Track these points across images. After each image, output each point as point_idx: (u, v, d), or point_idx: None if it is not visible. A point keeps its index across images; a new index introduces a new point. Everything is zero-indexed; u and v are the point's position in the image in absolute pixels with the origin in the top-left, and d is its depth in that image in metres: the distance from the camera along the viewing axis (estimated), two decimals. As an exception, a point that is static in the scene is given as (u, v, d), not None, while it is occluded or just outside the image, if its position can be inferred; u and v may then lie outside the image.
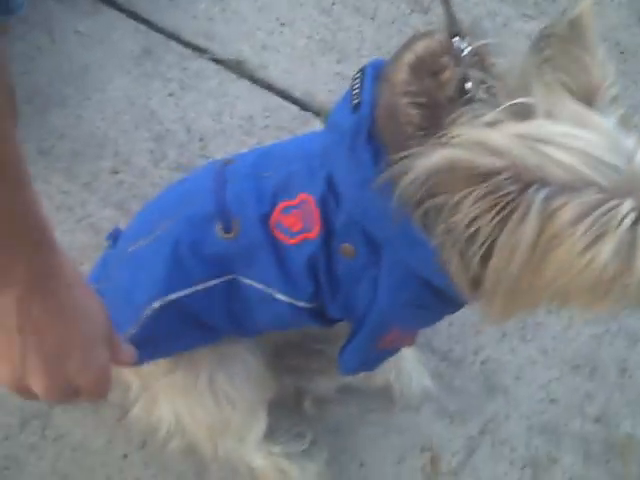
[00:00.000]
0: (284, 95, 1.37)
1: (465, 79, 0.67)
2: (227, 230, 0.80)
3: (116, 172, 1.25)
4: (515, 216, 0.58)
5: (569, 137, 0.59)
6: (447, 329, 1.17)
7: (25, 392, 0.58)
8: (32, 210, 0.52)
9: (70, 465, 1.02)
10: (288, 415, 1.07)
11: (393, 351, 0.94)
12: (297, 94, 1.37)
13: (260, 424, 0.98)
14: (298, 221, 0.78)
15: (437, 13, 1.41)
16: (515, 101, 0.63)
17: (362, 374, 1.03)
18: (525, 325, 1.18)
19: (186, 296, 0.82)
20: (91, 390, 0.61)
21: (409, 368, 1.10)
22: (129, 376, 0.94)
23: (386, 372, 1.06)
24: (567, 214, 0.58)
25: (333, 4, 1.48)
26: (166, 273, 0.81)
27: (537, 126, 0.61)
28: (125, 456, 1.03)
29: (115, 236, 0.94)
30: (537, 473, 1.08)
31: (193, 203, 0.83)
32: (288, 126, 1.31)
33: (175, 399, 0.94)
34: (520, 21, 1.46)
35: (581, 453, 1.10)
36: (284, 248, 0.79)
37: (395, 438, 1.09)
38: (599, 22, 0.63)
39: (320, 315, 0.86)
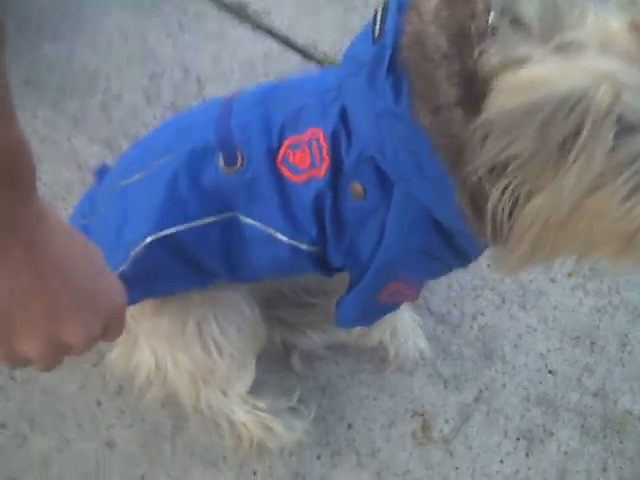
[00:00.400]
0: (287, 43, 1.30)
1: (492, 10, 0.62)
2: (230, 162, 0.75)
3: (106, 108, 1.18)
4: (578, 152, 0.53)
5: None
6: (446, 291, 1.11)
7: (17, 360, 0.52)
8: (21, 150, 0.45)
9: (39, 409, 0.95)
10: (275, 370, 1.02)
11: (394, 306, 0.89)
12: (300, 42, 1.31)
13: (248, 376, 0.93)
14: (306, 158, 0.73)
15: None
16: (564, 35, 0.58)
17: (356, 331, 0.99)
18: (525, 292, 1.13)
19: (181, 232, 0.76)
20: (83, 346, 0.55)
21: (405, 329, 1.05)
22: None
23: (381, 331, 1.00)
24: (621, 155, 0.54)
25: (342, -47, 1.41)
26: (161, 207, 0.75)
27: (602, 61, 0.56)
28: (99, 403, 0.97)
29: (102, 172, 0.88)
30: (532, 445, 1.03)
31: (194, 136, 0.77)
32: (290, 72, 1.24)
33: (158, 344, 0.88)
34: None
35: (578, 427, 1.05)
36: (289, 186, 0.74)
37: (386, 401, 1.03)
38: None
39: (320, 262, 0.80)
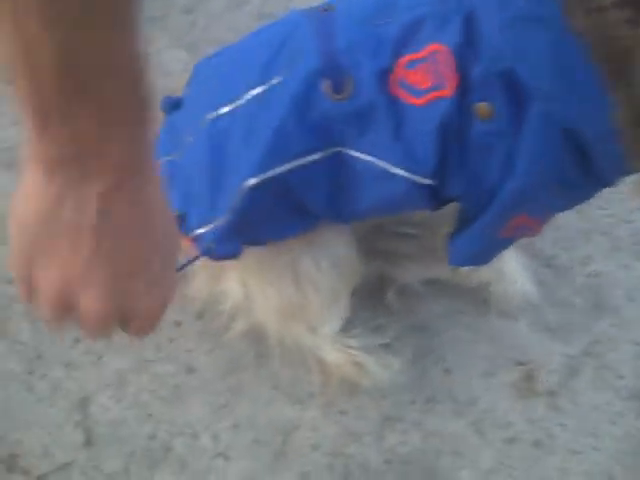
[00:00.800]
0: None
1: None
2: (337, 90, 0.66)
3: (190, 11, 1.09)
4: None
5: None
6: (553, 233, 1.01)
7: (66, 309, 0.45)
8: (143, 72, 0.38)
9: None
10: (368, 306, 0.93)
11: (512, 240, 0.79)
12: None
13: (340, 313, 0.86)
14: (427, 77, 0.66)
15: None
16: None
17: (462, 269, 0.89)
18: (640, 241, 1.02)
19: (284, 173, 0.68)
20: (146, 320, 0.49)
21: (511, 270, 0.95)
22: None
23: (488, 270, 0.91)
24: None
25: None
26: (264, 145, 0.67)
27: None
28: (178, 324, 0.88)
29: (170, 104, 0.77)
30: (645, 407, 0.93)
31: (291, 59, 0.68)
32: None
33: (247, 276, 0.80)
34: None
35: (698, 392, 0.95)
36: (407, 110, 0.66)
37: (486, 346, 0.94)
38: None
39: (436, 196, 0.71)
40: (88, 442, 0.82)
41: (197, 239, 0.70)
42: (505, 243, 0.79)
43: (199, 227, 0.70)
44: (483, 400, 0.92)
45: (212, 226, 0.69)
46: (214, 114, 0.71)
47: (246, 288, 0.81)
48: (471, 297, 0.96)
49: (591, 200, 0.74)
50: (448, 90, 0.65)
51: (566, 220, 1.02)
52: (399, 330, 0.91)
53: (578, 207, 0.78)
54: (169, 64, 1.04)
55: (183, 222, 0.70)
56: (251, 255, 0.75)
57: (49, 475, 0.80)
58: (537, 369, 0.95)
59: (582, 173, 0.67)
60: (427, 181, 0.68)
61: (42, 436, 0.82)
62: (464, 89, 0.65)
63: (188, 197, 0.70)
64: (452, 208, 0.75)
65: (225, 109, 0.70)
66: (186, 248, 0.69)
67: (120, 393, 0.85)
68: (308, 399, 0.89)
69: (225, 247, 0.70)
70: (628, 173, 0.68)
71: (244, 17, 1.10)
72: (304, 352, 0.86)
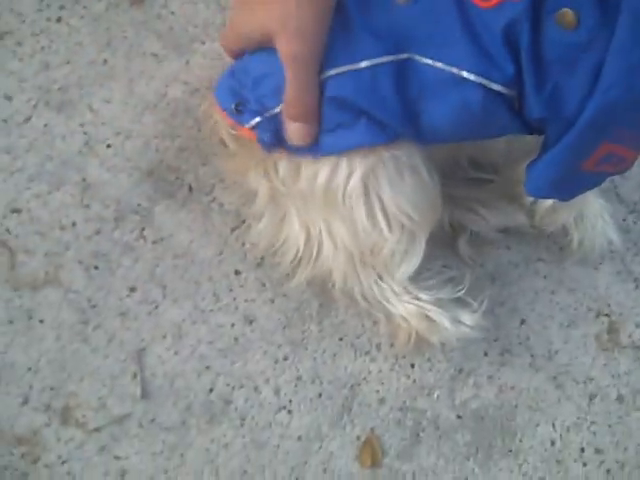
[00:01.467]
0: None
1: None
2: None
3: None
4: None
5: None
6: (638, 176, 0.93)
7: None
8: None
9: (171, 273, 0.83)
10: (439, 256, 0.86)
11: (600, 178, 0.72)
12: None
13: (416, 257, 0.77)
14: None
15: None
16: None
17: (540, 210, 0.82)
18: None
19: (342, 77, 0.63)
20: None
21: (592, 215, 0.88)
22: (256, 181, 0.73)
23: (568, 212, 0.84)
24: None
25: None
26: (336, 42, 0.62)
27: None
28: (237, 272, 0.84)
29: None
30: None
31: None
32: None
33: (312, 213, 0.74)
34: None
35: None
36: (475, 12, 0.60)
37: (565, 296, 0.88)
38: None
39: (517, 113, 0.64)
40: (144, 395, 0.79)
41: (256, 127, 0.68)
42: (591, 179, 0.71)
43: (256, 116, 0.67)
44: (562, 353, 0.86)
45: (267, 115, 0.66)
46: None
47: (309, 230, 0.75)
48: (549, 244, 0.90)
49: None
50: None
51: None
52: (472, 280, 0.85)
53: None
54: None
55: (243, 110, 0.68)
56: (315, 183, 0.69)
57: (104, 428, 0.77)
58: (621, 321, 0.88)
59: None
60: (504, 89, 0.62)
61: (97, 388, 0.78)
62: None
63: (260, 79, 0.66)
64: (531, 148, 0.69)
65: None
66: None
67: (177, 344, 0.81)
68: (375, 351, 0.84)
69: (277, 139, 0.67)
70: None
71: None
72: (372, 303, 0.80)
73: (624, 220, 0.92)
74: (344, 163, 0.68)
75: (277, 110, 0.66)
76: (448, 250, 0.87)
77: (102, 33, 0.94)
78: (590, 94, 0.60)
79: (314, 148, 0.67)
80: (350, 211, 0.71)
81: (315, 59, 0.61)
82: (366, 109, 0.64)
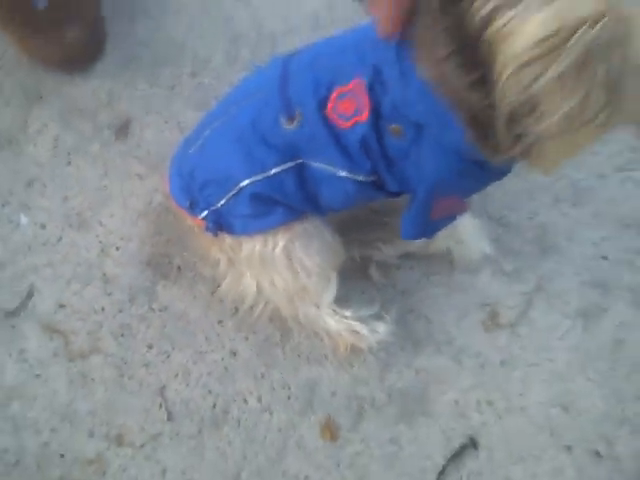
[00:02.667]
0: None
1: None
2: (290, 121, 0.91)
3: (196, 75, 1.38)
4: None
5: None
6: (502, 197, 1.27)
7: None
8: None
9: (175, 331, 1.19)
10: (358, 284, 1.20)
11: (449, 219, 1.04)
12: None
13: (332, 288, 1.10)
14: (351, 105, 0.87)
15: None
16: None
17: (422, 241, 1.16)
18: (576, 190, 1.27)
19: (260, 181, 0.95)
20: None
21: (468, 234, 1.20)
22: (217, 254, 1.09)
23: (443, 239, 1.16)
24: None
25: None
26: (238, 160, 0.95)
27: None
28: (220, 322, 1.19)
29: None
30: (588, 321, 1.19)
31: (261, 96, 0.95)
32: (352, 18, 1.39)
33: (256, 271, 1.07)
34: None
35: (630, 301, 1.20)
36: (340, 131, 0.89)
37: (457, 297, 1.21)
38: None
39: (381, 188, 0.96)
40: (169, 417, 1.15)
41: (205, 218, 1.01)
42: (443, 221, 1.03)
43: (204, 210, 1.01)
44: (459, 338, 1.19)
45: (212, 209, 0.99)
46: (209, 129, 1.00)
47: (258, 282, 1.08)
48: (440, 260, 1.22)
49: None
50: (364, 116, 0.87)
51: (511, 184, 1.27)
52: (385, 297, 1.20)
53: (519, 171, 0.93)
54: (185, 122, 1.34)
55: (195, 206, 1.01)
56: (253, 252, 1.03)
57: (146, 444, 1.13)
58: (499, 307, 1.21)
59: (479, 169, 0.87)
60: (367, 179, 0.93)
61: (137, 418, 1.15)
62: (377, 115, 0.87)
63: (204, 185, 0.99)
64: (406, 200, 0.99)
65: (215, 124, 0.99)
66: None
67: (186, 379, 1.17)
68: (324, 360, 1.18)
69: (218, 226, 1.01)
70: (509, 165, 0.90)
71: (238, 72, 1.38)
72: (315, 326, 1.15)
73: (494, 232, 1.25)
74: (270, 237, 1.03)
75: (218, 205, 0.99)
76: (364, 277, 1.21)
77: (100, 166, 1.30)
78: (419, 176, 0.91)
79: (247, 230, 1.01)
80: (280, 269, 1.05)
81: None
82: (280, 200, 0.98)
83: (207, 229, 1.02)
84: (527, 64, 0.67)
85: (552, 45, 0.65)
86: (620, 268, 1.22)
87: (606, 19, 0.62)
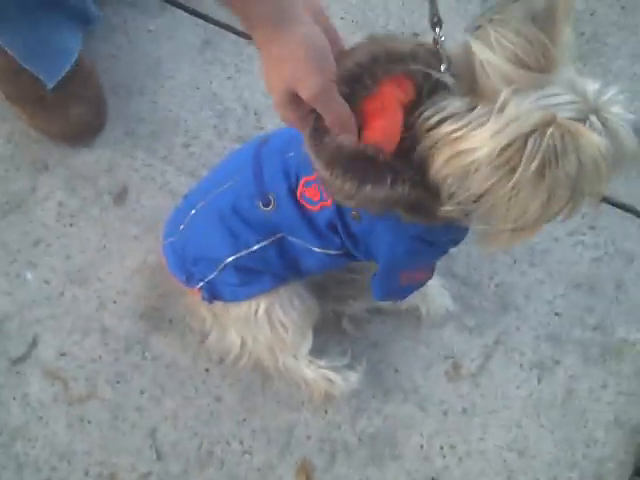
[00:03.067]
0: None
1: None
2: (265, 205, 1.01)
3: (188, 146, 1.52)
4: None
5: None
6: (465, 258, 1.39)
7: (292, 102, 0.75)
8: None
9: (165, 378, 1.30)
10: (332, 336, 1.32)
11: (417, 285, 1.14)
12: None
13: (307, 342, 1.22)
14: (317, 192, 0.97)
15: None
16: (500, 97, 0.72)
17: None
18: (533, 252, 1.40)
19: (244, 256, 1.07)
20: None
21: (433, 292, 1.32)
22: (204, 312, 1.21)
23: (413, 296, 1.28)
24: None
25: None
26: (221, 239, 1.07)
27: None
28: (207, 370, 1.31)
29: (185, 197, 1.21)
30: (543, 373, 1.31)
31: (239, 178, 1.06)
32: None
33: (240, 327, 1.19)
34: None
35: (581, 356, 1.32)
36: (310, 214, 0.99)
37: (423, 349, 1.33)
38: None
39: (352, 256, 1.07)
40: (159, 457, 1.25)
41: (201, 289, 1.13)
42: (411, 287, 1.14)
43: (199, 282, 1.12)
44: (424, 387, 1.31)
45: (206, 281, 1.11)
46: (194, 210, 1.12)
47: (242, 337, 1.20)
48: (408, 315, 1.34)
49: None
50: (329, 202, 0.96)
51: (474, 247, 1.41)
52: (357, 348, 1.32)
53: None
54: (177, 188, 1.48)
55: (190, 279, 1.13)
56: (239, 313, 1.16)
57: (137, 482, 1.24)
58: (461, 359, 1.33)
59: (432, 246, 0.97)
60: (339, 252, 1.05)
61: (129, 458, 1.25)
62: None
63: (195, 261, 1.11)
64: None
65: (198, 205, 1.11)
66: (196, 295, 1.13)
67: (175, 423, 1.28)
68: (301, 406, 1.29)
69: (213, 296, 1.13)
70: (457, 237, 1.01)
71: (227, 142, 1.52)
72: (293, 375, 1.26)
73: (458, 290, 1.38)
74: (254, 301, 1.14)
75: (211, 277, 1.11)
76: (338, 331, 1.33)
77: (100, 228, 1.44)
78: (380, 251, 1.01)
79: (236, 297, 1.14)
80: (261, 327, 1.17)
81: (333, 86, 0.74)
82: (263, 270, 1.10)
83: (203, 298, 1.14)
84: (480, 174, 0.72)
85: (508, 156, 0.69)
86: (571, 324, 1.35)
87: (552, 129, 0.67)
